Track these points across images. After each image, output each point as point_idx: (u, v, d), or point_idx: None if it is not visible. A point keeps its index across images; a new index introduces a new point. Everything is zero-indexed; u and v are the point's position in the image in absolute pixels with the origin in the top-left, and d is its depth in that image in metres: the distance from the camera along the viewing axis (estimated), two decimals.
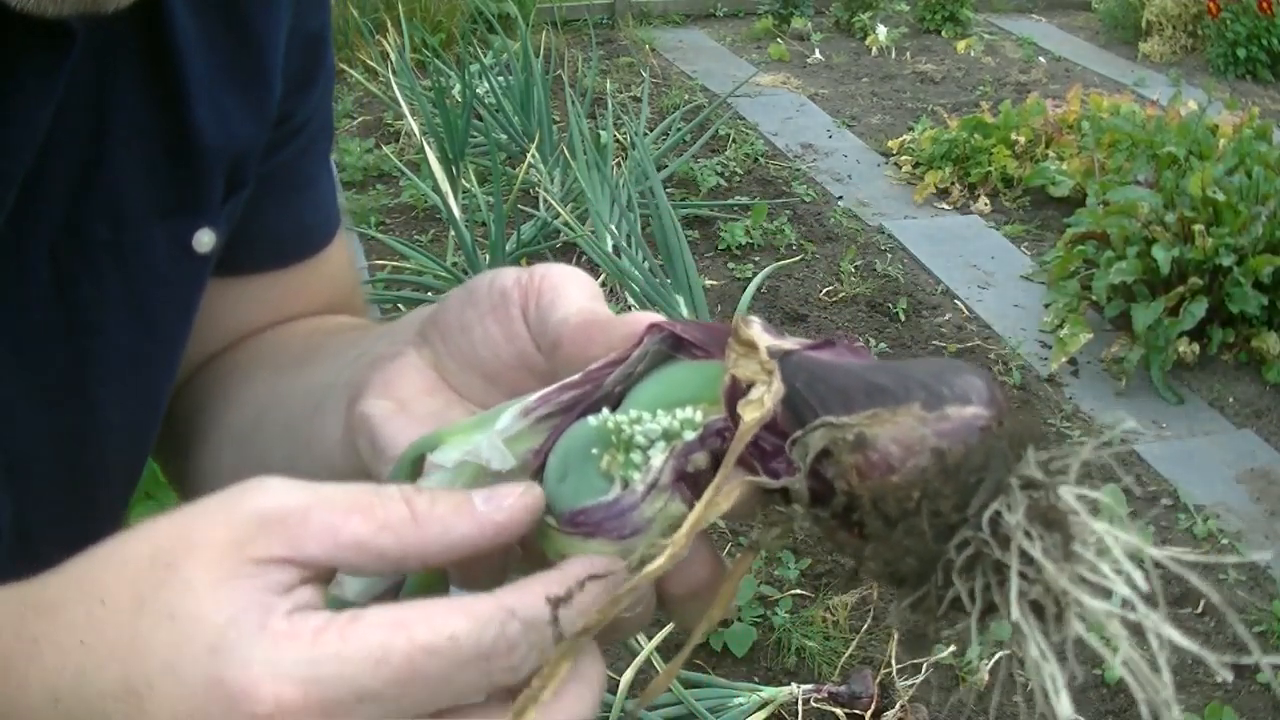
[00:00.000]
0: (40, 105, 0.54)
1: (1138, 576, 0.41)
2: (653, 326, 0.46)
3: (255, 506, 0.41)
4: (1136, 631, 0.42)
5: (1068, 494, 0.41)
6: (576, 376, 0.47)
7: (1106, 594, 0.40)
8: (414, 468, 0.48)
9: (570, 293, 0.50)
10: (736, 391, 0.43)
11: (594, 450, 0.44)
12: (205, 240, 0.64)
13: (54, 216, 0.57)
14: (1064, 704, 0.40)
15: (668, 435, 0.44)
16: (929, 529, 0.40)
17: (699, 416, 0.44)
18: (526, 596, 0.40)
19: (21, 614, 0.41)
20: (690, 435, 0.44)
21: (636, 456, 0.44)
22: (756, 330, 0.44)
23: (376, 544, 0.40)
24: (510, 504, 0.42)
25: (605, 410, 0.46)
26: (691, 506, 0.43)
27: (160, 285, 0.63)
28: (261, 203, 0.68)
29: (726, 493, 0.42)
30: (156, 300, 0.64)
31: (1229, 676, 0.41)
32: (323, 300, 0.77)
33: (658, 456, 0.44)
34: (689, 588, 0.45)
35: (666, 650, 2.20)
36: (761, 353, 0.43)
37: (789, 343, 0.44)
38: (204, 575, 0.39)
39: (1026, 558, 0.40)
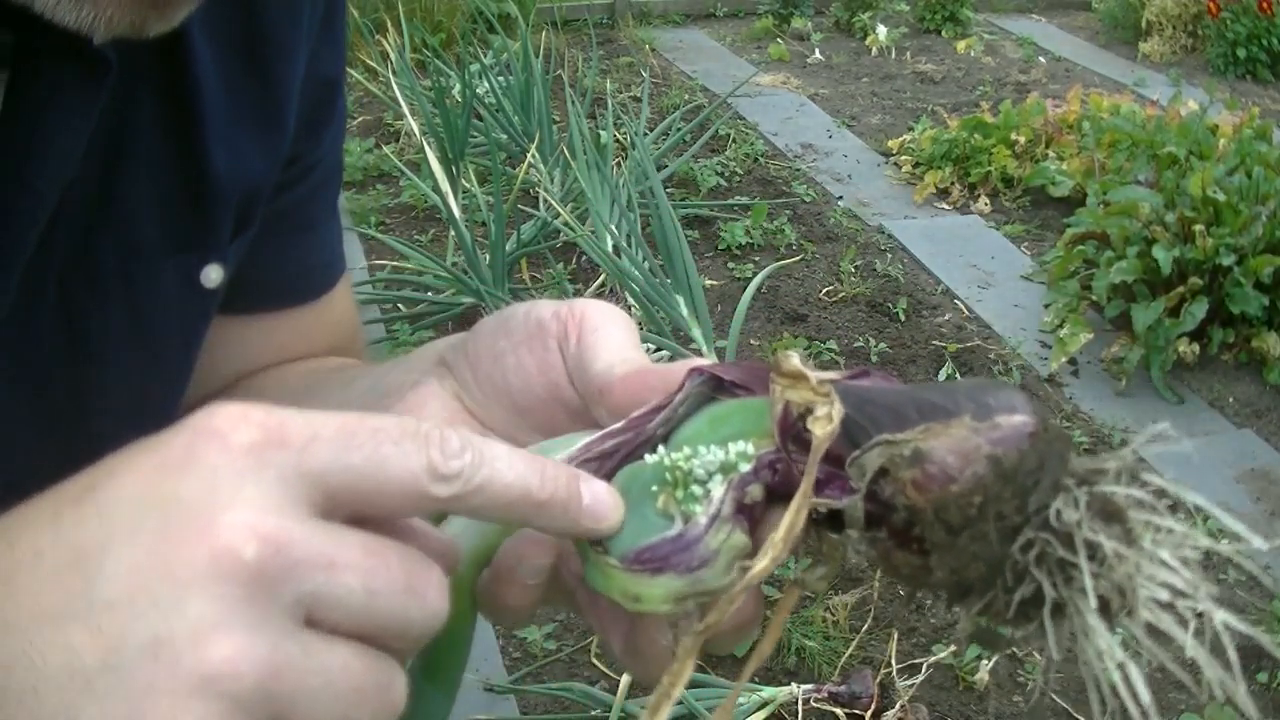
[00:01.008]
0: (77, 134, 0.55)
1: (1195, 569, 0.43)
2: (693, 370, 0.47)
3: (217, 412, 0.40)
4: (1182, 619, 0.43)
5: (1121, 491, 0.42)
6: (619, 424, 0.47)
7: (1165, 585, 0.42)
8: None
9: (612, 336, 0.50)
10: (789, 419, 0.44)
11: (652, 488, 0.45)
12: (213, 276, 0.64)
13: (65, 244, 0.58)
14: (1143, 692, 0.41)
15: (724, 468, 0.45)
16: (994, 532, 0.41)
17: (751, 449, 0.45)
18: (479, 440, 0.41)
19: None
20: (745, 467, 0.45)
21: (697, 490, 0.45)
22: (798, 362, 0.45)
23: (349, 466, 0.40)
24: (568, 476, 0.43)
25: (660, 448, 0.46)
26: (753, 537, 0.44)
27: (167, 319, 0.64)
28: (265, 243, 0.68)
29: (798, 511, 0.44)
30: (162, 333, 0.64)
31: None
32: (324, 344, 0.77)
33: (717, 489, 0.44)
34: (735, 624, 0.46)
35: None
36: (811, 380, 0.44)
37: (829, 374, 0.45)
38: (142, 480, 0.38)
39: (1091, 552, 0.41)
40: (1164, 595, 0.42)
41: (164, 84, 0.59)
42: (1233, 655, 0.42)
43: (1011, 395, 0.43)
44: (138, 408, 0.65)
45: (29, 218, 0.55)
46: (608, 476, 0.47)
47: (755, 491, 0.45)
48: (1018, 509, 0.41)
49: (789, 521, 0.43)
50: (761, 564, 0.43)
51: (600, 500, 0.43)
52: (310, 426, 0.38)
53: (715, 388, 0.48)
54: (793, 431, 0.45)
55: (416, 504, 0.39)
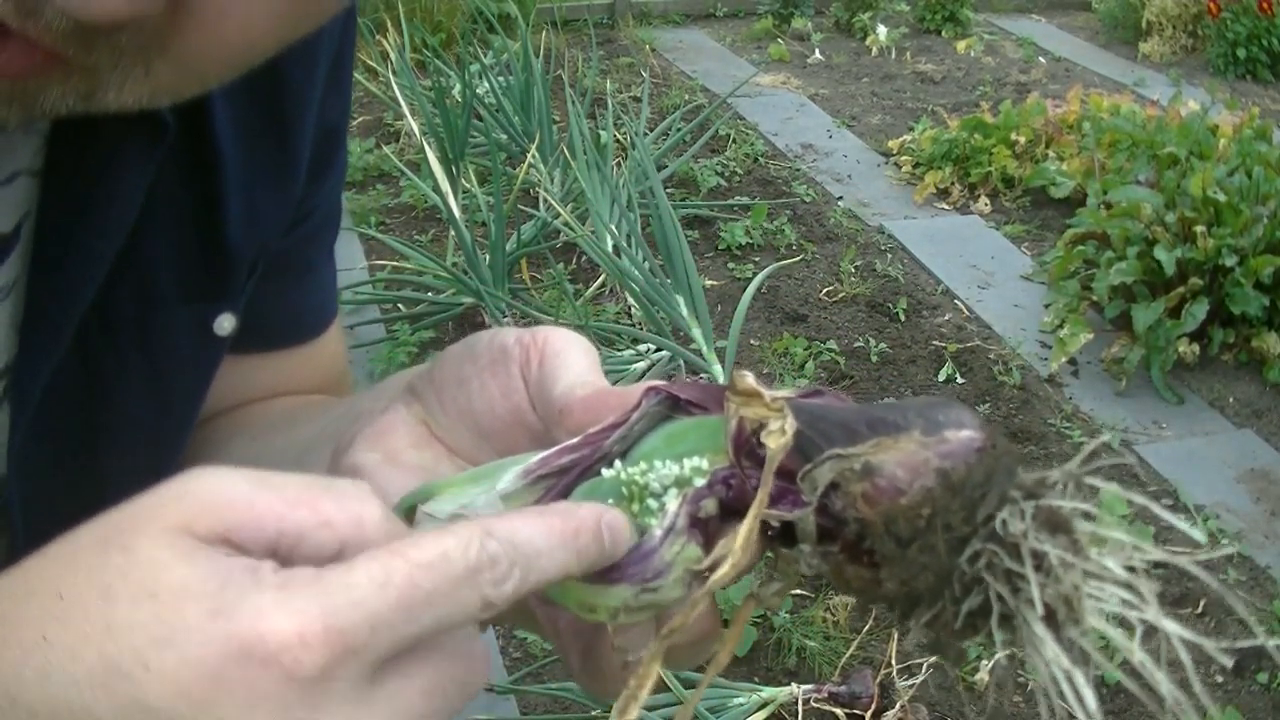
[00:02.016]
0: (137, 188, 0.56)
1: (1142, 578, 0.44)
2: (650, 389, 0.48)
3: (199, 489, 0.40)
4: (1128, 626, 0.44)
5: (1067, 504, 0.43)
6: (575, 440, 0.48)
7: (1111, 596, 0.43)
8: (406, 518, 0.49)
9: (573, 360, 0.51)
10: (743, 434, 0.46)
11: (609, 502, 0.46)
12: (226, 324, 0.65)
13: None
14: (1090, 700, 0.42)
15: (679, 483, 0.46)
16: (942, 543, 0.42)
17: (705, 464, 0.46)
18: (497, 522, 0.41)
19: None
20: (700, 482, 0.46)
21: (652, 504, 0.46)
22: (753, 381, 0.46)
23: (317, 538, 0.41)
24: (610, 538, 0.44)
25: (617, 463, 0.47)
26: (707, 551, 0.45)
27: (179, 364, 0.65)
28: (261, 286, 0.69)
29: (754, 519, 0.44)
30: (174, 378, 0.65)
31: (1227, 663, 0.41)
32: (312, 384, 0.78)
33: (672, 503, 0.45)
34: (691, 638, 0.47)
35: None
36: (765, 397, 0.45)
37: (783, 393, 0.46)
38: (166, 553, 0.38)
39: (1037, 562, 0.41)
40: (1111, 605, 0.43)
41: (184, 144, 0.60)
42: (1187, 661, 0.44)
43: (961, 412, 0.44)
44: (148, 449, 0.66)
45: (91, 274, 0.57)
46: (564, 492, 0.48)
47: (709, 506, 0.46)
48: (965, 520, 0.42)
49: (746, 529, 0.44)
50: (723, 570, 0.44)
51: (618, 534, 0.44)
52: (367, 618, 0.38)
53: (672, 406, 0.49)
54: (746, 447, 0.46)
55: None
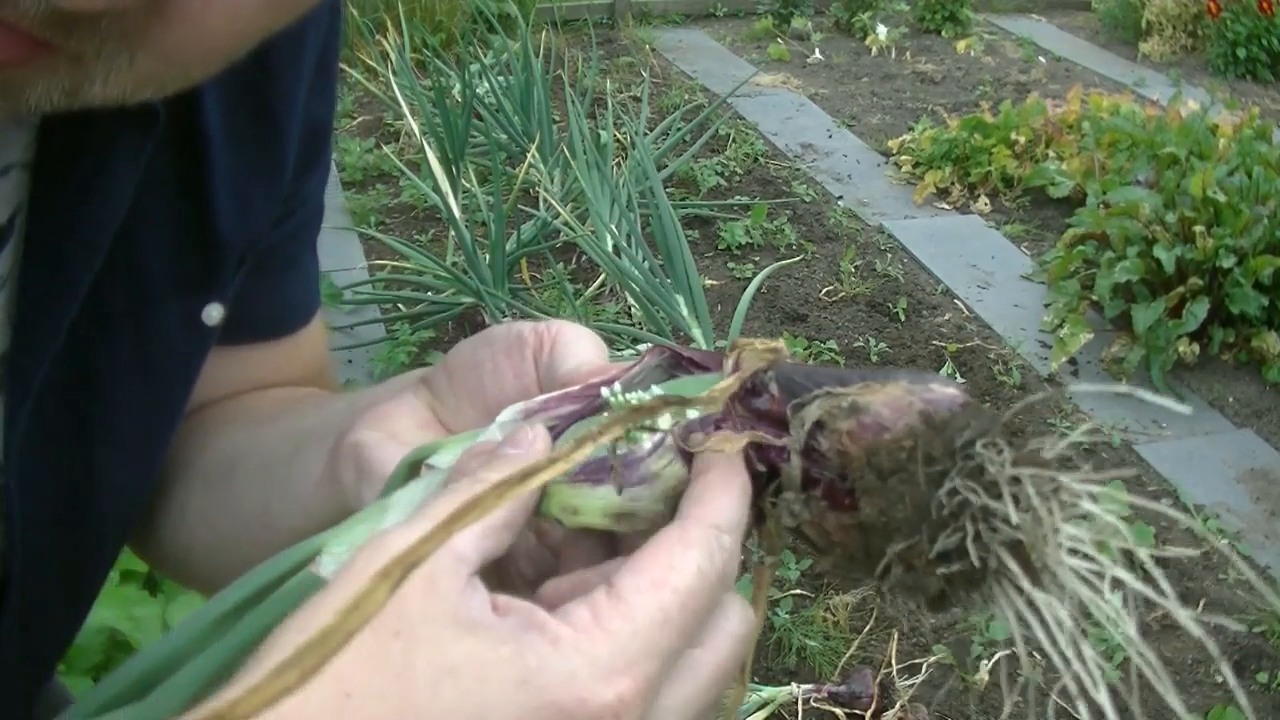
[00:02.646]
0: (130, 178, 0.57)
1: (1115, 526, 0.45)
2: (654, 348, 0.50)
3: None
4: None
5: (1047, 448, 0.45)
6: (577, 388, 0.50)
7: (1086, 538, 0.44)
8: (410, 471, 0.50)
9: (583, 348, 0.53)
10: (739, 384, 0.48)
11: (603, 436, 0.46)
12: (215, 315, 0.66)
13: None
14: (1063, 637, 0.43)
15: (674, 414, 0.47)
16: (922, 475, 0.43)
17: (699, 411, 0.47)
18: (708, 512, 0.44)
19: None
20: (692, 414, 0.47)
21: (645, 423, 0.47)
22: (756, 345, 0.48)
23: (497, 519, 0.44)
24: (530, 438, 0.47)
25: (616, 385, 0.49)
26: (687, 471, 0.47)
27: (170, 354, 0.65)
28: (247, 280, 0.70)
29: (733, 441, 0.46)
30: (164, 368, 0.65)
31: (1196, 631, 0.42)
32: (295, 377, 0.79)
33: (665, 422, 0.47)
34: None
35: None
36: (761, 345, 0.47)
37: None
38: (445, 626, 0.39)
39: (1014, 500, 0.43)
40: (1086, 547, 0.44)
41: (173, 138, 0.60)
42: (1170, 595, 0.44)
43: (945, 380, 0.46)
44: (139, 438, 0.66)
45: (86, 265, 0.57)
46: (558, 433, 0.49)
47: (698, 440, 0.47)
48: (945, 454, 0.43)
49: (730, 438, 0.46)
50: (711, 444, 0.46)
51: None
52: (660, 658, 0.41)
53: (674, 364, 0.50)
54: (741, 394, 0.47)
55: None
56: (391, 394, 0.57)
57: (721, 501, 0.44)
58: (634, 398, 0.47)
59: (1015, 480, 0.43)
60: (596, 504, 0.46)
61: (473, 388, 0.54)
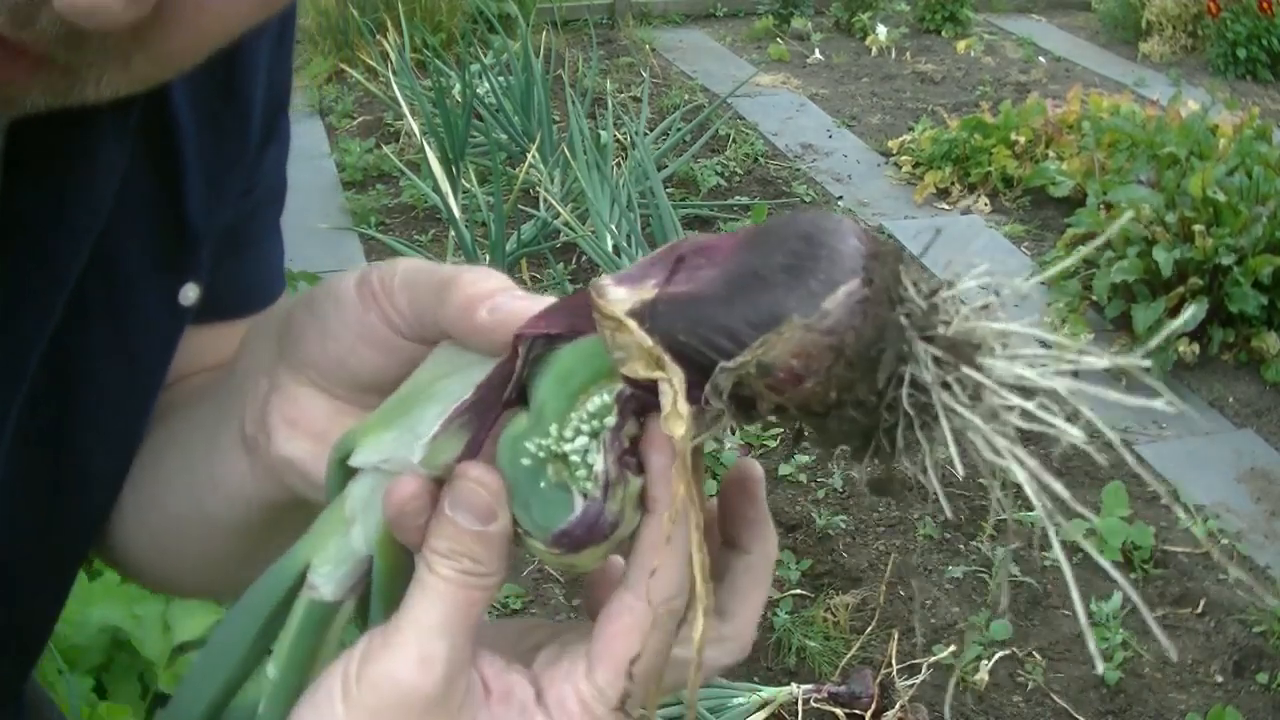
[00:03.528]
0: (114, 165, 0.57)
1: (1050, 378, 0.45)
2: (518, 338, 0.47)
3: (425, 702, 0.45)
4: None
5: (959, 323, 0.44)
6: (470, 397, 0.48)
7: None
8: (343, 472, 0.50)
9: (416, 281, 0.51)
10: (633, 381, 0.46)
11: (543, 473, 0.47)
12: (191, 295, 0.65)
13: None
14: (1030, 463, 0.44)
15: (594, 434, 0.46)
16: (855, 410, 0.43)
17: (607, 398, 0.46)
18: (657, 588, 0.46)
19: None
20: (610, 422, 0.46)
21: (575, 460, 0.46)
22: (613, 298, 0.45)
23: (484, 602, 0.47)
24: (493, 510, 0.47)
25: (522, 416, 0.47)
26: (641, 473, 0.46)
27: (148, 338, 0.65)
28: (220, 257, 0.70)
29: (675, 422, 0.45)
30: (142, 351, 0.65)
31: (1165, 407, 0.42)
32: None
33: (597, 460, 0.46)
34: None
35: None
36: (635, 332, 0.44)
37: (647, 287, 0.45)
38: None
39: (951, 392, 0.43)
40: (1024, 402, 0.44)
41: (144, 125, 0.60)
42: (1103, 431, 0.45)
43: (831, 257, 0.44)
44: (117, 420, 0.66)
45: (72, 257, 0.57)
46: (478, 449, 0.48)
47: (629, 429, 0.46)
48: (870, 387, 0.43)
49: (677, 481, 0.45)
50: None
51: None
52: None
53: (548, 343, 0.48)
54: (661, 421, 0.46)
55: None
56: (268, 380, 0.56)
57: (667, 574, 0.46)
58: (550, 443, 0.47)
59: (951, 383, 0.43)
60: (586, 560, 0.47)
61: (340, 374, 0.54)
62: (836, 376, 0.43)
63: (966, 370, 0.43)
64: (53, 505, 0.64)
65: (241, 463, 0.59)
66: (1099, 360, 0.45)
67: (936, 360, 0.43)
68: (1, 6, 0.40)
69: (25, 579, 0.64)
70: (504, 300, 0.48)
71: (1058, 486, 0.43)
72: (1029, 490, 0.44)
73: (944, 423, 0.42)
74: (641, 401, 0.46)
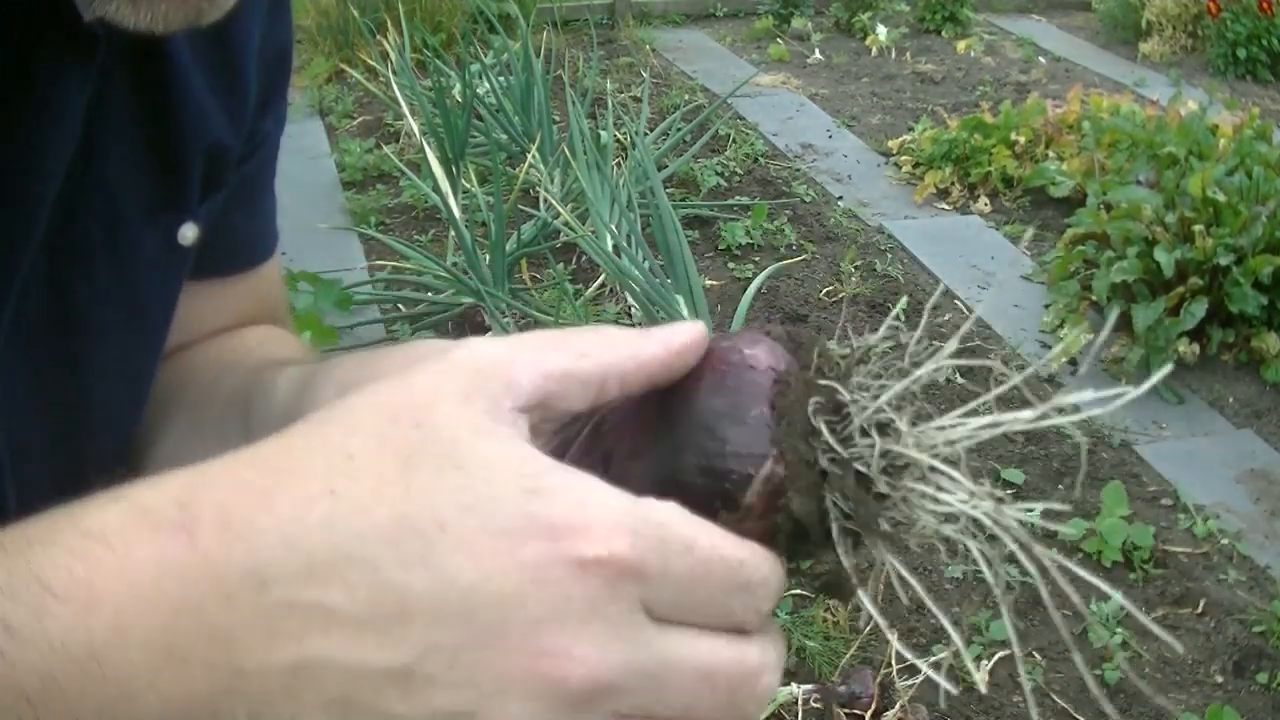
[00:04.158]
0: (76, 110, 0.57)
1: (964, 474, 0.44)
2: None
3: (467, 360, 0.42)
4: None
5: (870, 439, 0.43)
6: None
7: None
8: None
9: None
10: None
11: None
12: (189, 234, 0.66)
13: (51, 214, 0.59)
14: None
15: None
16: (811, 538, 0.44)
17: None
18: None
19: (237, 471, 0.40)
20: None
21: None
22: None
23: (579, 370, 0.43)
24: (684, 339, 0.45)
25: None
26: None
27: (149, 279, 0.66)
28: (219, 213, 0.70)
29: None
30: (145, 293, 0.66)
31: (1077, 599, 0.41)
32: (256, 312, 0.81)
33: None
34: None
35: None
36: None
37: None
38: (468, 432, 0.40)
39: (882, 495, 0.44)
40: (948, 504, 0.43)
41: (136, 52, 0.60)
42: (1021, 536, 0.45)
43: (739, 455, 0.43)
44: (123, 368, 0.66)
45: (40, 197, 0.57)
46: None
47: None
48: (819, 540, 0.44)
49: None
50: None
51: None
52: (665, 559, 0.40)
53: None
54: None
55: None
56: (296, 398, 0.58)
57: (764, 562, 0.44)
58: None
59: (881, 473, 0.43)
60: None
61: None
62: (784, 547, 0.44)
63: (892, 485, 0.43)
64: (61, 452, 0.64)
65: None
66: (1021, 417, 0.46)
67: (871, 492, 0.43)
68: None
69: None
70: None
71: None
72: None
73: (880, 539, 0.43)
74: None
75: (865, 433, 0.43)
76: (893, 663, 2.37)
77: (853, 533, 0.43)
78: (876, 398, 0.43)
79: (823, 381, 0.44)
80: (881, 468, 0.42)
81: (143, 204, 0.63)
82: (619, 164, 4.07)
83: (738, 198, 4.36)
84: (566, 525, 0.39)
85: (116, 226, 0.62)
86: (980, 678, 2.36)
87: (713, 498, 0.43)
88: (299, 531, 0.39)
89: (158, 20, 0.49)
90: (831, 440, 0.43)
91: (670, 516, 0.40)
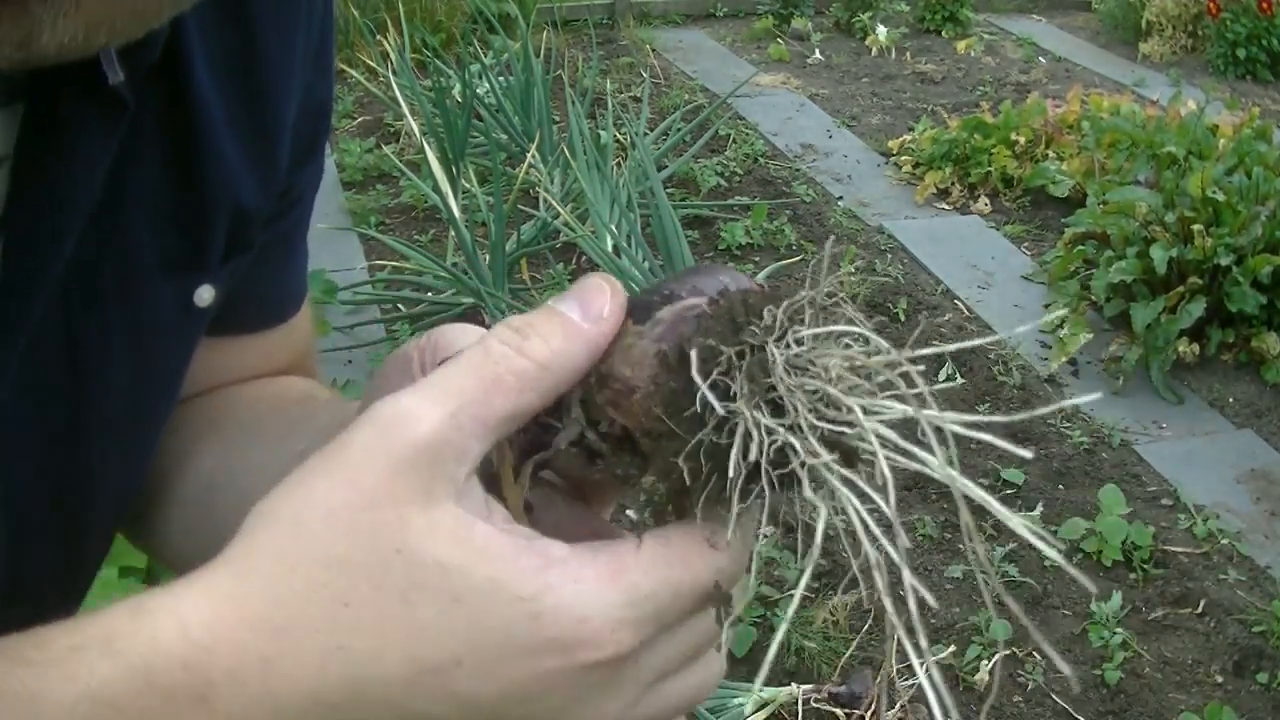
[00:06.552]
0: (98, 168, 0.57)
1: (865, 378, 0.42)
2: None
3: (414, 443, 0.42)
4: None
5: (778, 353, 0.42)
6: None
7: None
8: None
9: (462, 341, 0.52)
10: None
11: None
12: (205, 296, 0.65)
13: (68, 265, 0.59)
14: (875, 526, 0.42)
15: None
16: (678, 426, 0.42)
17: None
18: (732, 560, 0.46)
19: (236, 633, 0.41)
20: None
21: None
22: None
23: (523, 406, 0.44)
24: (607, 309, 0.45)
25: None
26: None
27: (161, 337, 0.65)
28: (251, 270, 0.70)
29: (505, 465, 0.47)
30: (156, 351, 0.65)
31: (1092, 589, 0.41)
32: (285, 362, 0.80)
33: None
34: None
35: None
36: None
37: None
38: (446, 545, 0.41)
39: (777, 408, 0.41)
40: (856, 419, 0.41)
41: (165, 107, 0.60)
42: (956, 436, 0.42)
43: (687, 282, 0.44)
44: (130, 424, 0.66)
45: (58, 250, 0.57)
46: None
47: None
48: (689, 395, 0.41)
49: (508, 482, 0.47)
50: (504, 510, 0.46)
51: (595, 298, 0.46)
52: (661, 623, 0.44)
53: None
54: None
55: None
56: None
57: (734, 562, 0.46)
58: None
59: (769, 387, 0.41)
60: None
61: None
62: (660, 385, 0.42)
63: (782, 383, 0.41)
64: (63, 505, 0.64)
65: None
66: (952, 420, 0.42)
67: (749, 370, 0.41)
68: None
69: (36, 579, 0.64)
70: None
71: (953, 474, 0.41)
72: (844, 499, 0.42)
73: (756, 434, 0.40)
74: (527, 436, 0.48)
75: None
76: (893, 663, 2.37)
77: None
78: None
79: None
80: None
81: (160, 261, 0.63)
82: (619, 164, 4.07)
83: (738, 198, 4.36)
84: (576, 640, 0.42)
85: (132, 281, 0.62)
86: (980, 677, 2.36)
87: (642, 315, 0.44)
88: (322, 687, 0.41)
89: (90, 40, 0.47)
90: (766, 327, 0.42)
91: (655, 581, 0.43)
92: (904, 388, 0.42)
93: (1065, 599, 2.57)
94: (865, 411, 0.40)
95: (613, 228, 3.40)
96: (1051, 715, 2.33)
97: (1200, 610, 2.58)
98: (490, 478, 0.46)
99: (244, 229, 0.67)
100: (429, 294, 3.58)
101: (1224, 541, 2.77)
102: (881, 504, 0.40)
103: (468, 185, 3.93)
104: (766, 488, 0.41)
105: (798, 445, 0.40)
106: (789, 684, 2.30)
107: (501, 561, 0.42)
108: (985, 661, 2.38)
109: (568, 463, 0.46)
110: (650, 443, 0.43)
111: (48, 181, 0.56)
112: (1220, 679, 2.42)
